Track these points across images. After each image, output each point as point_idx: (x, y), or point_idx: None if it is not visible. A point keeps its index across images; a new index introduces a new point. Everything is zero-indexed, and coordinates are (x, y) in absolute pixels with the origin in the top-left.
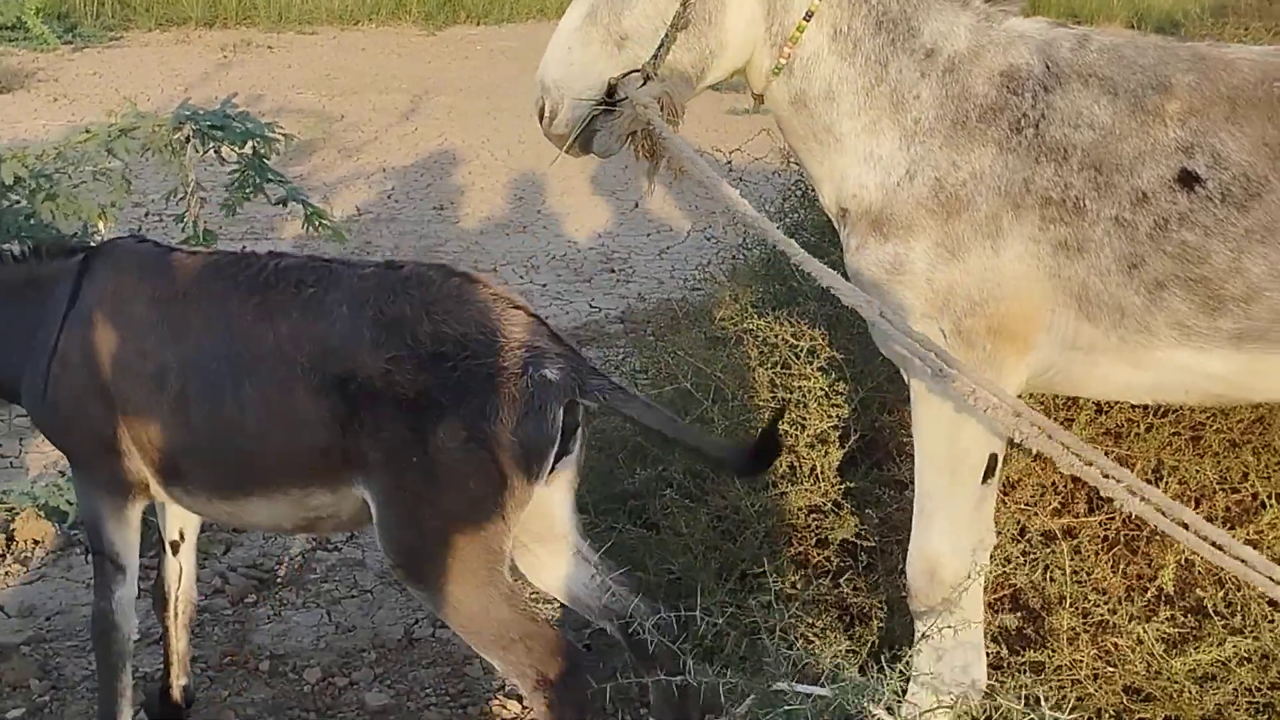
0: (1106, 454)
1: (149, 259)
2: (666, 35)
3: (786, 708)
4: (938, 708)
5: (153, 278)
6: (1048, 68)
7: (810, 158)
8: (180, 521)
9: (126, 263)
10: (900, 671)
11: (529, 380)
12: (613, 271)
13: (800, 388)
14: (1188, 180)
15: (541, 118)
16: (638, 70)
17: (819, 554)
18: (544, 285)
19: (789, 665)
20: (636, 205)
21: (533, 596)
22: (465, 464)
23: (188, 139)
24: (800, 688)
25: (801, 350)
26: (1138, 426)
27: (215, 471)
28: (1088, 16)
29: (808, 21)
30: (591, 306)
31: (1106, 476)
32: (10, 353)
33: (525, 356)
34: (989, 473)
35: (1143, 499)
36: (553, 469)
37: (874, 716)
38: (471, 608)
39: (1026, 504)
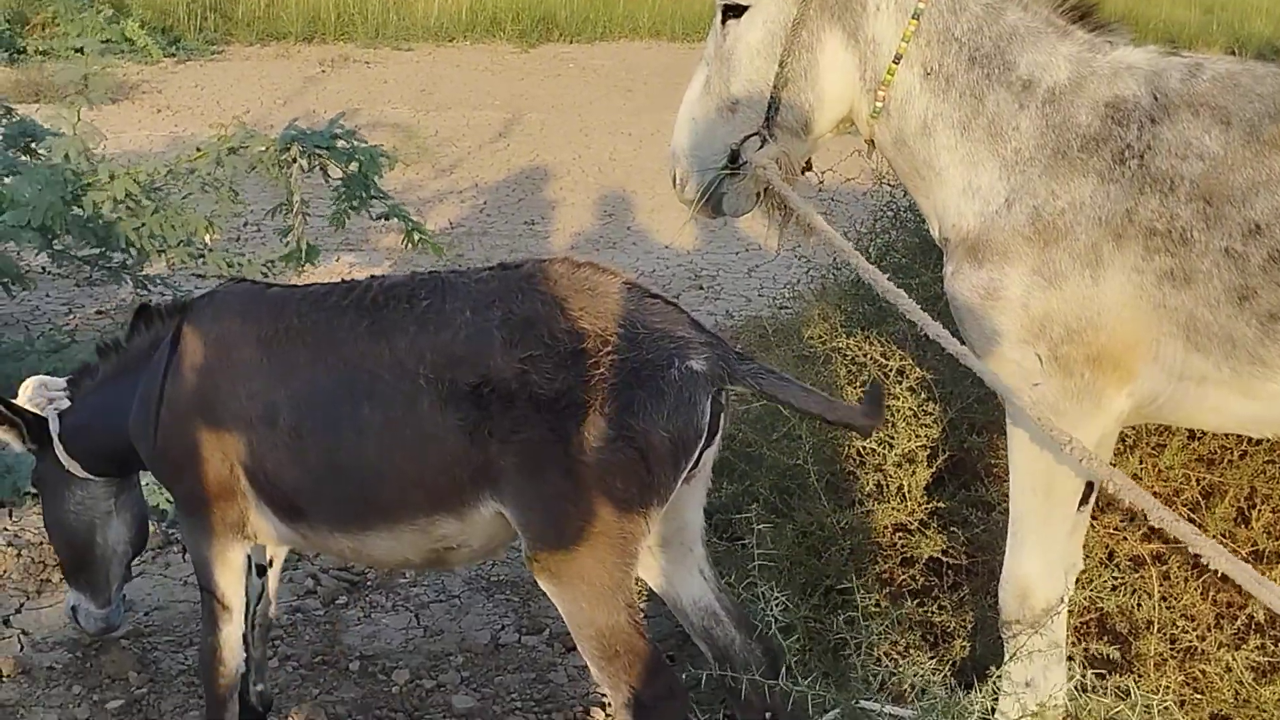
0: (1199, 481)
1: (248, 299)
2: (771, 96)
3: None
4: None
5: (254, 318)
6: (1155, 99)
7: (918, 194)
8: (273, 549)
9: (226, 306)
10: (987, 692)
11: (677, 372)
12: (701, 289)
13: (889, 407)
14: None
15: (674, 185)
16: (755, 134)
17: (904, 573)
18: None
19: (875, 682)
20: (726, 223)
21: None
22: (612, 463)
23: (294, 159)
24: (889, 708)
25: (890, 370)
26: (1231, 454)
27: (336, 506)
28: (1185, 42)
29: (897, 64)
30: None
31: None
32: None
33: (670, 348)
34: (1084, 499)
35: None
36: (698, 463)
37: None
38: (595, 611)
39: (1116, 528)
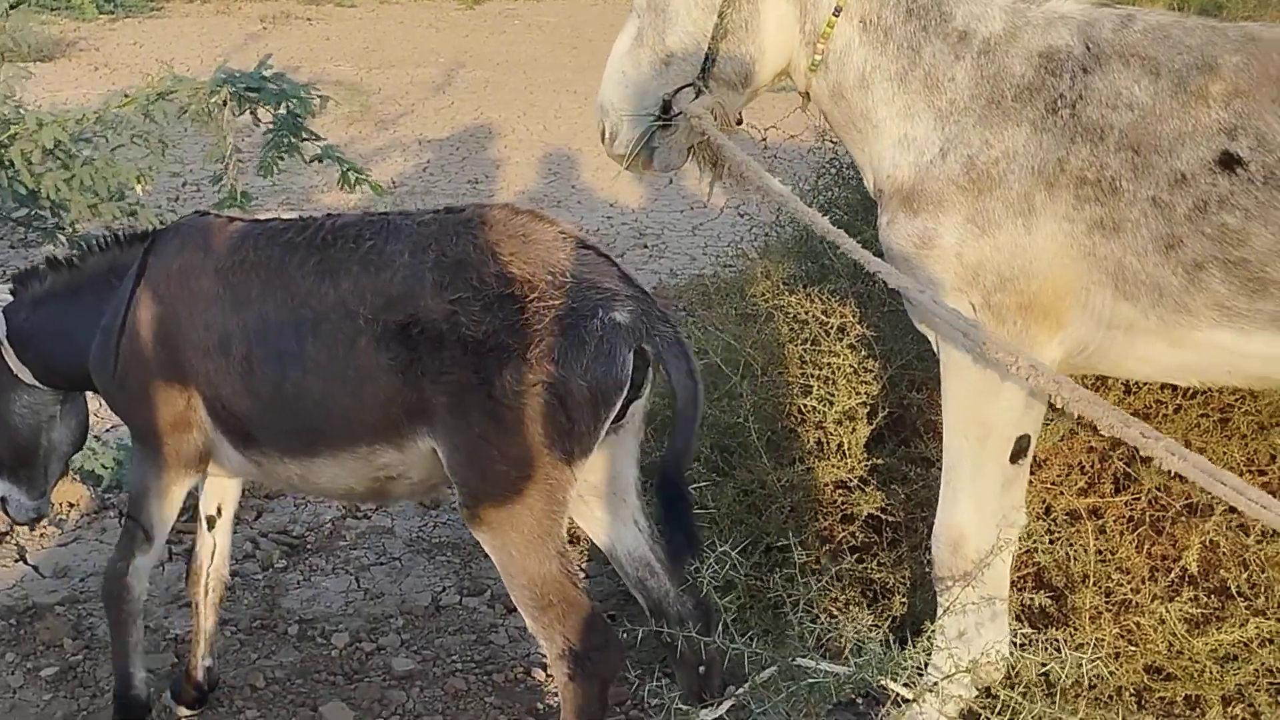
0: None
1: (210, 232)
2: (709, 48)
3: (808, 681)
4: (956, 675)
5: (214, 250)
6: (1088, 48)
7: (853, 146)
8: (219, 497)
9: (189, 238)
10: (922, 648)
11: (599, 323)
12: (645, 247)
13: (829, 364)
14: (1229, 162)
15: (604, 139)
16: (689, 85)
17: (844, 530)
18: None
19: (812, 639)
20: (671, 182)
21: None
22: (532, 408)
23: (224, 102)
24: (824, 665)
25: (831, 327)
26: (1165, 408)
27: (285, 434)
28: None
29: (837, 16)
30: None
31: (1146, 436)
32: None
33: (595, 298)
34: (1020, 453)
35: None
36: (623, 414)
37: (894, 692)
38: (526, 558)
39: (1053, 483)
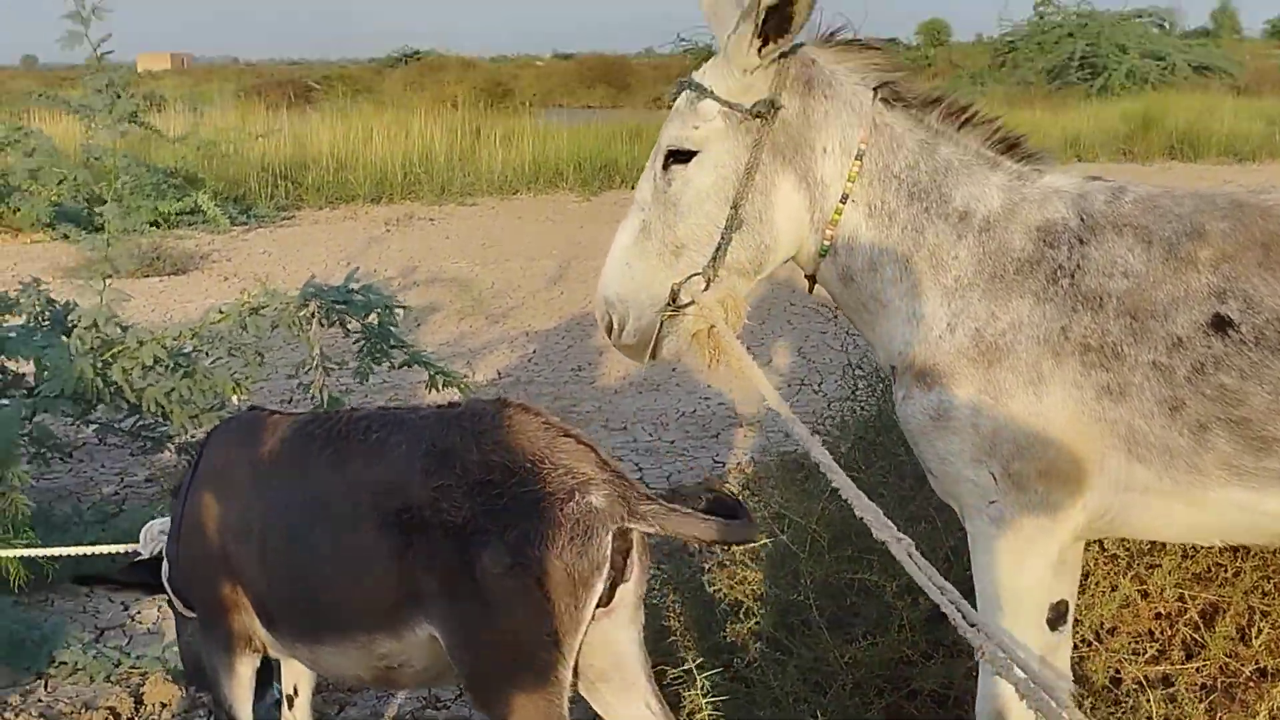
0: (1195, 599)
1: (252, 426)
2: (722, 238)
3: None
4: None
5: (250, 442)
6: (1082, 220)
7: (864, 325)
8: (295, 677)
9: (235, 432)
10: None
11: (575, 506)
12: (740, 426)
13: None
14: (1221, 325)
15: (610, 332)
16: (698, 274)
17: (908, 705)
18: (672, 441)
19: None
20: (770, 361)
21: None
22: (511, 590)
23: (313, 315)
24: None
25: (891, 500)
26: (1225, 571)
27: (296, 619)
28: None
29: (844, 204)
30: (715, 461)
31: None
32: None
33: (572, 483)
34: (1059, 620)
35: None
36: (610, 598)
37: None
38: None
39: (1117, 651)
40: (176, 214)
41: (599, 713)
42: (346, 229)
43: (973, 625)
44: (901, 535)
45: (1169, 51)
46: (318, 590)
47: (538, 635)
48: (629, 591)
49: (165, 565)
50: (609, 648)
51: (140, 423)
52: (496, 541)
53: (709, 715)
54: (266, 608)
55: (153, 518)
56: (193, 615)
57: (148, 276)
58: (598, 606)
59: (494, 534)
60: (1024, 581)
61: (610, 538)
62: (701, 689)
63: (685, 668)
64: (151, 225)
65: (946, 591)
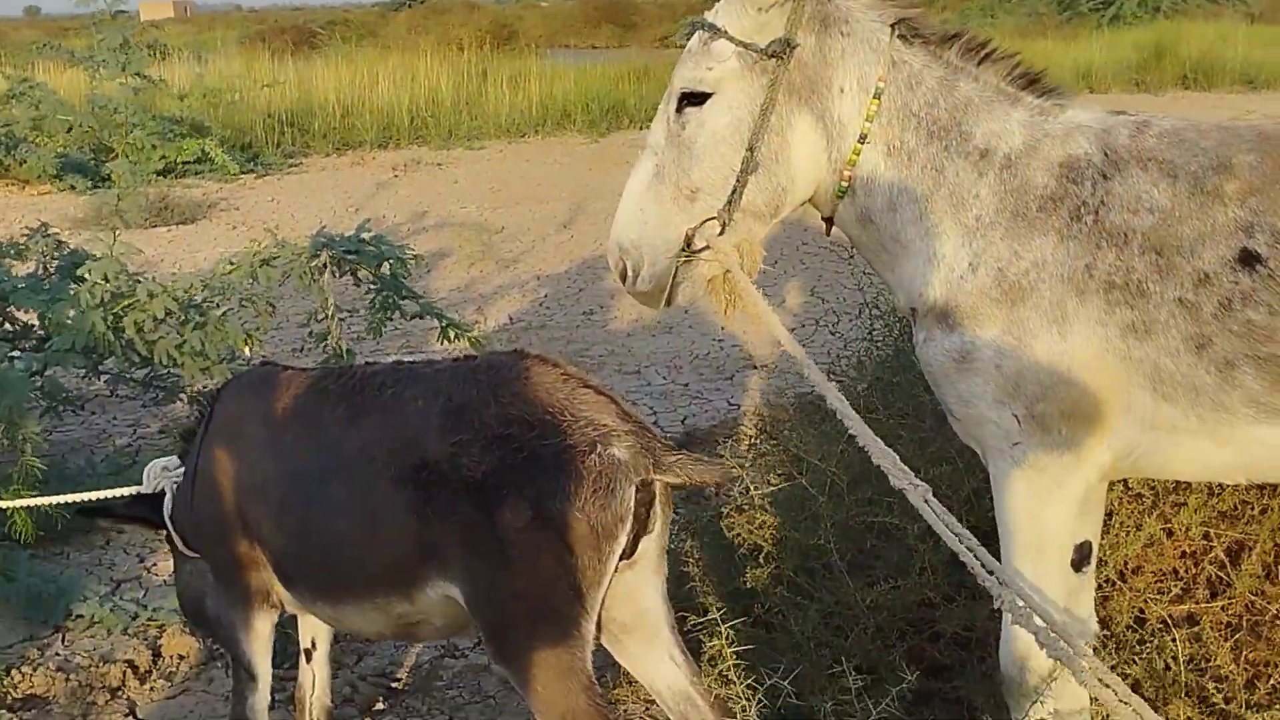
0: (1220, 537)
1: (264, 381)
2: (738, 181)
3: None
4: None
5: (264, 398)
6: (1106, 155)
7: (882, 267)
8: (312, 631)
9: (247, 388)
10: None
11: (597, 458)
12: (755, 369)
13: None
14: (1249, 259)
15: (624, 278)
16: (714, 218)
17: (931, 648)
18: (686, 385)
19: None
20: (784, 302)
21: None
22: (533, 545)
23: (324, 265)
24: None
25: (910, 442)
26: (1252, 509)
27: (314, 577)
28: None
29: (863, 144)
30: (730, 404)
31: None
32: None
33: (593, 435)
34: (1083, 561)
35: None
36: (634, 551)
37: None
38: (551, 693)
39: (1142, 590)
40: (183, 163)
41: (623, 665)
42: (354, 175)
43: (991, 573)
44: (918, 481)
45: None
46: (335, 548)
47: (560, 590)
48: (652, 543)
49: (168, 501)
50: (632, 600)
51: (152, 374)
52: (517, 496)
53: (732, 664)
54: (284, 566)
55: None
56: (193, 554)
57: (155, 226)
58: (621, 559)
59: (514, 489)
60: (1048, 523)
61: (633, 490)
62: (726, 639)
63: (708, 617)
64: (159, 174)
65: (964, 538)
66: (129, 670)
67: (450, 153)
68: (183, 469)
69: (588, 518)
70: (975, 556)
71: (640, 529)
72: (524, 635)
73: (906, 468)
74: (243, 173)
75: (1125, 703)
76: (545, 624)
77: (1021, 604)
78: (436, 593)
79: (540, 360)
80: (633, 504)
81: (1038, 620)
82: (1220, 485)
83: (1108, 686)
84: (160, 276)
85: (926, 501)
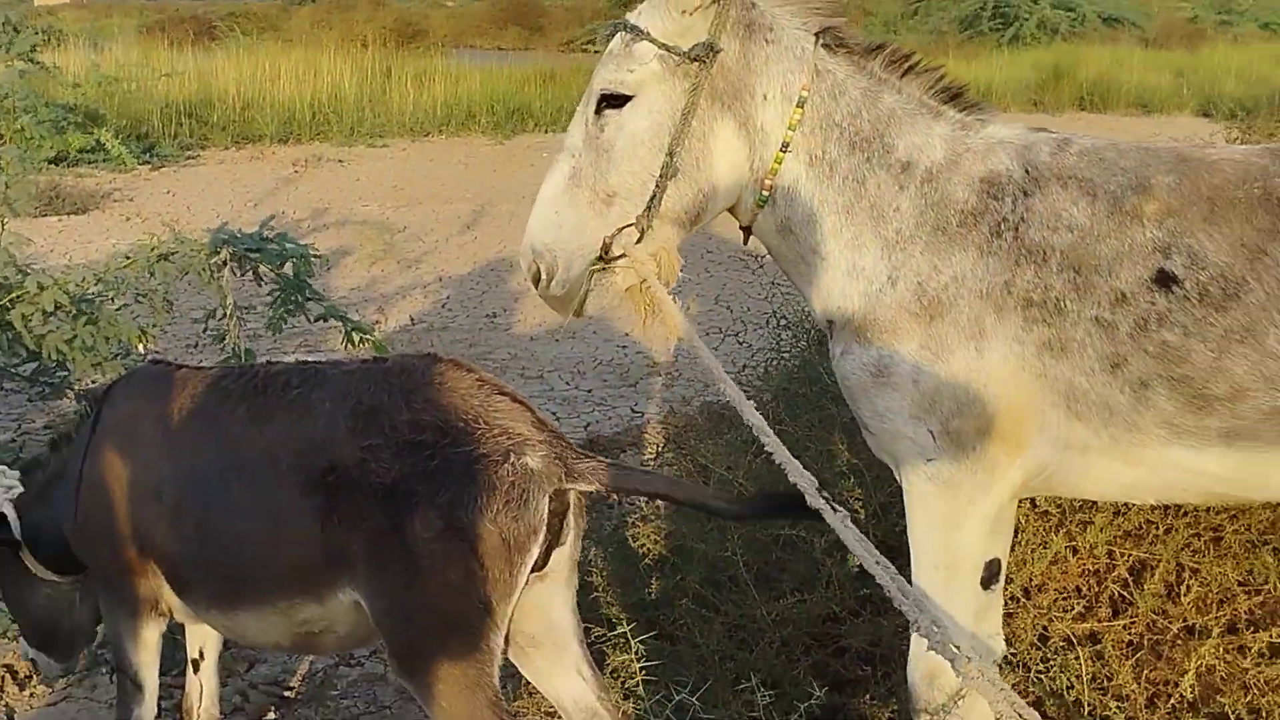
0: (1127, 557)
1: (157, 380)
2: (657, 187)
3: None
4: None
5: (158, 398)
6: (1027, 172)
7: (800, 279)
8: (201, 640)
9: (138, 387)
10: None
11: (510, 468)
12: (659, 375)
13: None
14: (1165, 280)
15: (537, 282)
16: (631, 224)
17: (836, 662)
18: (589, 391)
19: None
20: (688, 310)
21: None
22: (443, 555)
23: (225, 262)
24: None
25: (817, 454)
26: (1156, 528)
27: (211, 584)
28: (1158, 105)
29: (785, 153)
30: (634, 411)
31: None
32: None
33: (507, 444)
34: (991, 579)
35: None
36: (545, 562)
37: None
38: (456, 708)
39: (1048, 609)
40: (77, 151)
41: (529, 679)
42: (253, 169)
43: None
44: (838, 506)
45: (1079, 2)
46: (235, 554)
47: (469, 602)
48: (564, 555)
49: (12, 519)
50: (542, 613)
51: (40, 369)
52: (428, 505)
53: (641, 679)
54: (179, 573)
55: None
56: (51, 578)
57: (45, 216)
58: (532, 571)
59: (425, 497)
60: (960, 540)
61: (547, 501)
62: (636, 654)
63: (618, 631)
64: (50, 163)
65: (881, 564)
66: (7, 675)
67: (352, 149)
68: (18, 487)
69: (500, 529)
70: (890, 579)
71: (553, 540)
72: (430, 648)
73: (822, 491)
74: (138, 164)
75: None
76: (453, 636)
77: (937, 630)
78: (347, 597)
79: (454, 365)
80: (546, 515)
81: (953, 648)
82: (1126, 504)
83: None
84: (51, 268)
85: (846, 526)
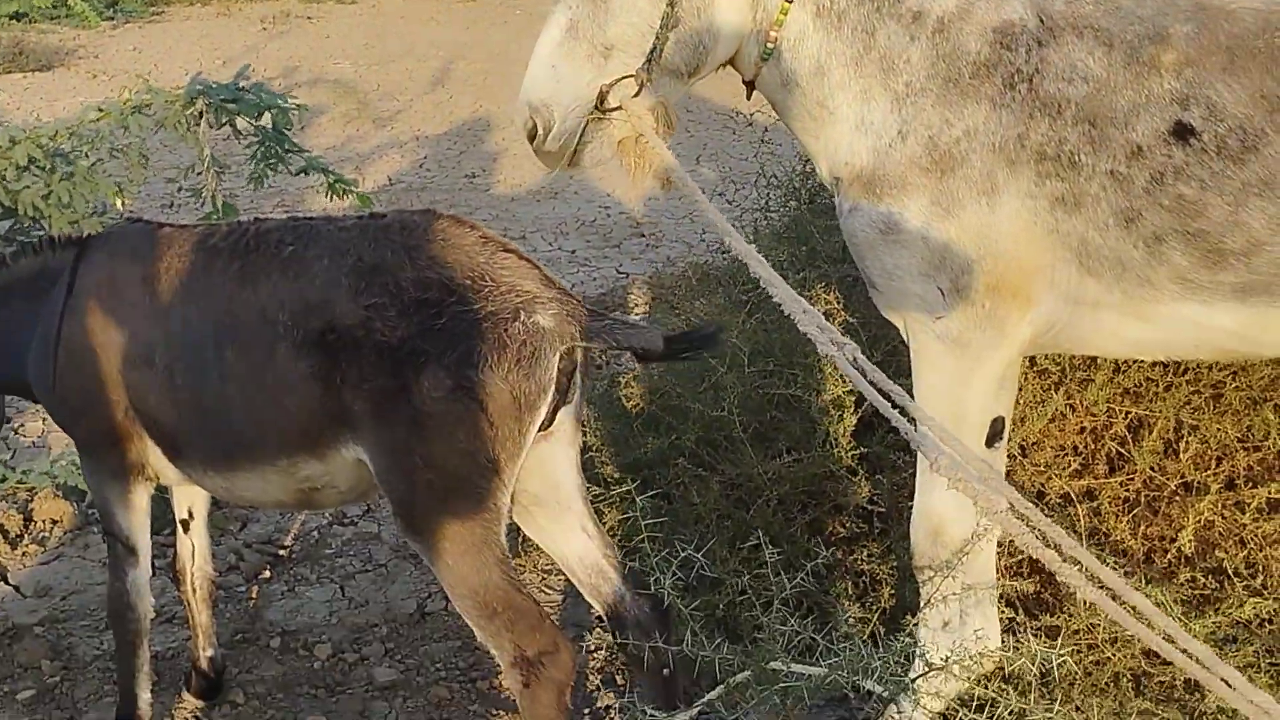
0: (1126, 414)
1: (140, 239)
2: (657, 38)
3: (781, 685)
4: (936, 670)
5: (142, 258)
6: (1041, 21)
7: (805, 134)
8: (189, 500)
9: (119, 246)
10: (901, 643)
11: (521, 326)
12: (643, 236)
13: (814, 352)
14: (1182, 133)
15: (532, 138)
16: (630, 76)
17: (833, 521)
18: (573, 251)
19: (784, 640)
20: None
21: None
22: (452, 414)
23: (201, 114)
24: (796, 667)
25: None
26: (1156, 385)
27: (207, 446)
28: None
29: (790, 3)
30: (619, 272)
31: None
32: (25, 348)
33: (516, 301)
34: (995, 437)
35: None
36: (551, 421)
37: (870, 692)
38: (463, 567)
39: (1045, 466)
40: (39, 7)
41: (533, 538)
42: (220, 26)
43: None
44: (845, 340)
45: None
46: (234, 417)
47: (477, 462)
48: (570, 413)
49: None
50: (546, 472)
51: (15, 226)
52: (436, 364)
53: (647, 538)
54: (171, 437)
55: None
56: None
57: (10, 73)
58: (539, 430)
59: (434, 356)
60: (968, 398)
61: (558, 359)
62: (641, 510)
63: (615, 490)
64: (12, 18)
65: (894, 394)
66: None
67: (322, 5)
68: None
69: (510, 387)
70: (905, 424)
71: (560, 399)
72: (437, 508)
73: (832, 327)
74: (102, 20)
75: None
76: (460, 496)
77: (958, 461)
78: (350, 454)
79: (455, 221)
80: (556, 373)
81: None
82: (1126, 362)
83: (1052, 547)
84: (17, 124)
85: (854, 361)
